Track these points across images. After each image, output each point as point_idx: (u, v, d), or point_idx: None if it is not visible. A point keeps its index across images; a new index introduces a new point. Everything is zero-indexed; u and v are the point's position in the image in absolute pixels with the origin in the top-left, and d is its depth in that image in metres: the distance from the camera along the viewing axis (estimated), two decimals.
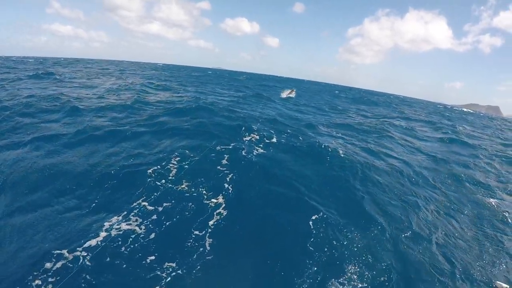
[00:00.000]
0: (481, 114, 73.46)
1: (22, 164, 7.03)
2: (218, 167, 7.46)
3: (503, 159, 14.07)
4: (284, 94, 34.09)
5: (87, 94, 16.18)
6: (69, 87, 18.82)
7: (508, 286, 1.61)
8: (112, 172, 6.89)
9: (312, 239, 5.41)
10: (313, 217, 6.07)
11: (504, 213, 7.95)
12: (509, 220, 7.60)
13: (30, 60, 55.72)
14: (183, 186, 6.47)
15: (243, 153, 8.50)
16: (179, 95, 18.82)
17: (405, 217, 6.86)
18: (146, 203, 5.74)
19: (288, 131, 11.86)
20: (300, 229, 5.72)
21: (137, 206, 5.63)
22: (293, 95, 34.67)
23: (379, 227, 6.16)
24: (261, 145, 9.58)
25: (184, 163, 7.54)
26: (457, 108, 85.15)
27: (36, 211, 5.36)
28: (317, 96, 39.33)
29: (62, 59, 71.73)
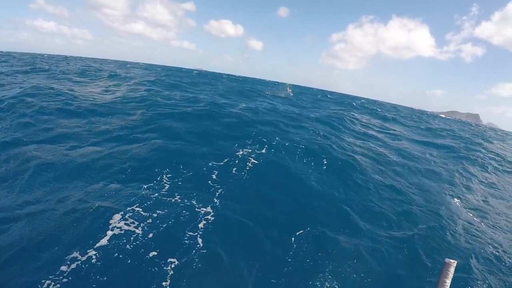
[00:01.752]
0: (460, 121, 76.57)
1: (24, 163, 7.72)
2: (209, 181, 8.08)
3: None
4: (279, 93, 35.43)
5: (88, 92, 16.81)
6: (66, 84, 19.27)
7: (456, 261, 2.16)
8: (105, 177, 7.55)
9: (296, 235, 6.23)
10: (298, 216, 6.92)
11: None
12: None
13: (15, 55, 55.25)
14: (175, 198, 7.04)
15: (235, 166, 9.09)
16: (175, 96, 19.42)
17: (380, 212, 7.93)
18: (140, 209, 6.31)
19: (279, 133, 12.72)
20: (284, 226, 6.54)
21: (131, 210, 6.19)
22: (290, 92, 36.21)
23: (363, 229, 7.06)
24: (256, 151, 10.40)
25: (178, 171, 8.22)
26: (435, 115, 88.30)
27: (37, 212, 5.85)
28: (298, 96, 41.02)
29: (45, 55, 71.20)
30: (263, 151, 10.56)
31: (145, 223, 5.91)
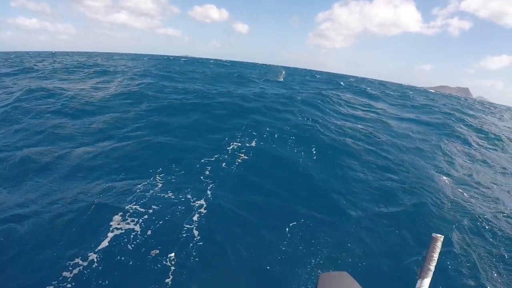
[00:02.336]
0: (449, 96, 77.33)
1: (20, 167, 7.92)
2: (202, 176, 8.24)
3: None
4: (270, 77, 37.01)
5: (79, 90, 16.77)
6: (57, 84, 18.82)
7: (443, 236, 2.16)
8: (100, 177, 7.76)
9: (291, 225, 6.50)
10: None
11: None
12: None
13: (0, 55, 54.58)
14: (169, 193, 7.24)
15: (227, 160, 9.22)
16: (165, 88, 19.37)
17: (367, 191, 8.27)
18: (138, 206, 6.51)
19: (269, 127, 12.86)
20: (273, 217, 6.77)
21: (129, 209, 6.38)
22: (282, 78, 37.96)
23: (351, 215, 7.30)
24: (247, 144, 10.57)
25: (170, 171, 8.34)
26: (425, 90, 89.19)
27: (33, 215, 5.99)
28: (287, 78, 41.74)
29: (31, 52, 70.23)
30: (253, 143, 10.73)
31: (143, 219, 6.12)
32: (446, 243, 6.46)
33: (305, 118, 14.39)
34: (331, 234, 6.48)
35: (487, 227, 7.44)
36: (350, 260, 5.85)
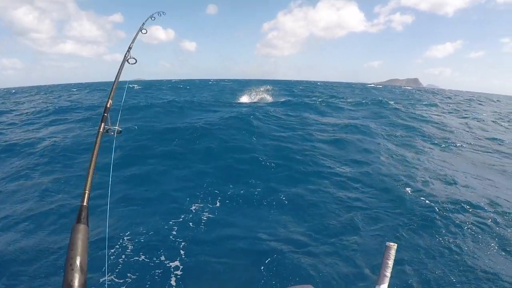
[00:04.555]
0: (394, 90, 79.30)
1: None
2: (171, 236, 8.22)
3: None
4: (230, 99, 34.74)
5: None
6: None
7: (396, 244, 2.35)
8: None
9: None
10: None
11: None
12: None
13: None
14: (142, 257, 7.26)
15: (192, 220, 9.09)
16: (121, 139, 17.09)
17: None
18: (113, 277, 6.48)
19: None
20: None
21: (105, 282, 6.17)
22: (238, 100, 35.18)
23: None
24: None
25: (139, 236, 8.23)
26: (374, 86, 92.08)
27: None
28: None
29: None
30: (218, 198, 10.51)
31: None
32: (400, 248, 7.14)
33: (265, 159, 13.96)
34: (303, 260, 7.10)
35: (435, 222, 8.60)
36: (318, 276, 6.53)
